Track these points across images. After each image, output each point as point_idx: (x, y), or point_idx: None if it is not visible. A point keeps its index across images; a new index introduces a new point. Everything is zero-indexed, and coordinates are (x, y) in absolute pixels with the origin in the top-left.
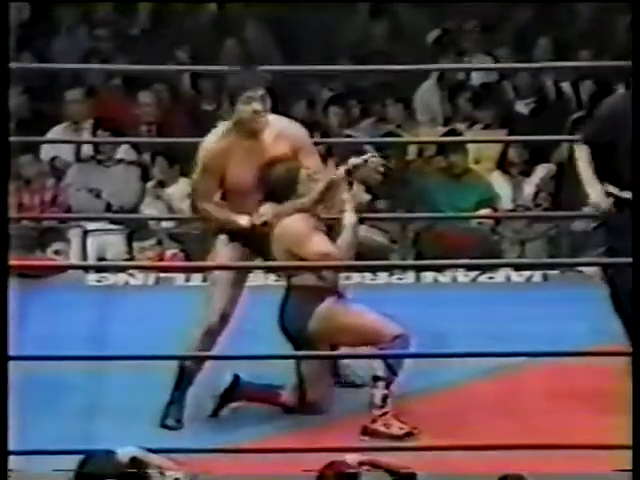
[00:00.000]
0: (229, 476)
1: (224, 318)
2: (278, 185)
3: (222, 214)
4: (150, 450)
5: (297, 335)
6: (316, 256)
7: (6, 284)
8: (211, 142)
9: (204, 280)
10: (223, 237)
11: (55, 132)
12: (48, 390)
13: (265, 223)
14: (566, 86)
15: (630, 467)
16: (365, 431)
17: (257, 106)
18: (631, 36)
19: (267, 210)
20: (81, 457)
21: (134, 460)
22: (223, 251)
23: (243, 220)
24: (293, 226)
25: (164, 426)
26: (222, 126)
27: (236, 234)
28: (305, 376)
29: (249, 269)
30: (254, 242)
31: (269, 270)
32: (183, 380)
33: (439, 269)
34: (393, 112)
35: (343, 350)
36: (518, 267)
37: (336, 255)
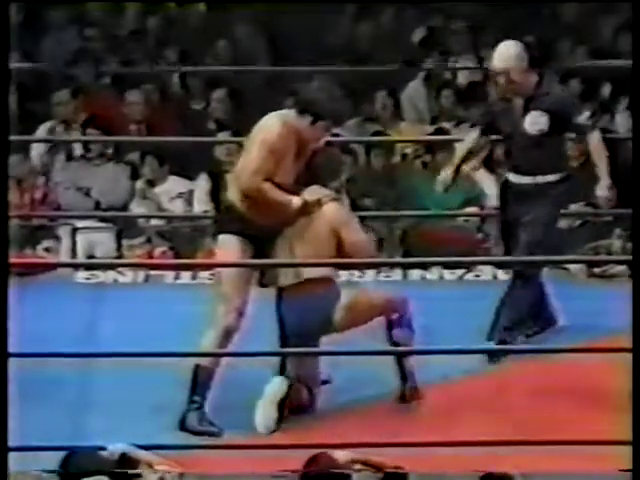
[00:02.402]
0: (219, 473)
1: (240, 316)
2: (324, 170)
3: (276, 194)
4: (140, 446)
5: (314, 330)
6: (358, 242)
7: (6, 282)
8: (277, 125)
9: (193, 278)
10: (226, 235)
11: (42, 130)
12: (38, 387)
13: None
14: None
15: (623, 465)
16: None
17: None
18: (617, 35)
19: (318, 191)
20: (64, 454)
21: (124, 457)
22: (228, 248)
23: (296, 200)
24: (342, 208)
25: (184, 429)
26: (283, 114)
27: (245, 229)
28: (309, 373)
29: (255, 267)
30: (261, 239)
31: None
32: (201, 380)
33: (426, 267)
34: (381, 107)
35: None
36: (504, 265)
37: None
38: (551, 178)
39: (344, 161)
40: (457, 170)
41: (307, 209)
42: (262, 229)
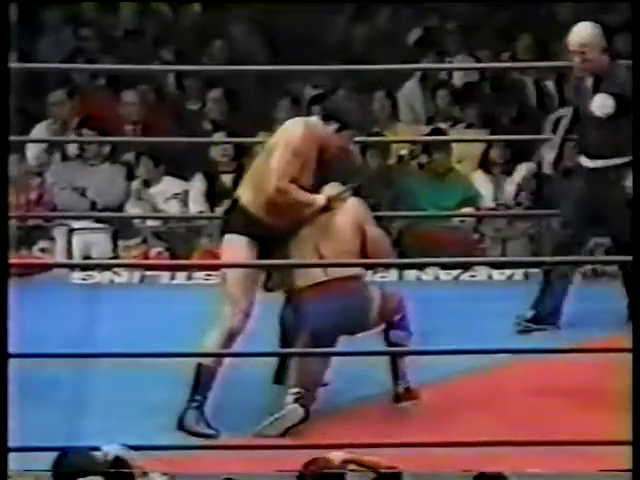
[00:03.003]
0: (216, 474)
1: (246, 318)
2: (340, 172)
3: (300, 195)
4: (137, 447)
5: (345, 329)
6: (380, 237)
7: (6, 283)
8: (300, 130)
9: (189, 278)
10: (233, 235)
11: (38, 130)
12: (36, 387)
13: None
14: (549, 85)
15: (623, 465)
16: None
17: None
18: (615, 35)
19: (336, 188)
20: (57, 454)
21: (117, 459)
22: (234, 248)
23: (320, 198)
24: (363, 204)
25: (182, 429)
26: (306, 120)
27: (254, 230)
28: (313, 379)
29: (260, 267)
30: (269, 241)
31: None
32: (202, 380)
33: (421, 267)
34: (380, 108)
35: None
36: (499, 265)
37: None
38: (617, 161)
39: (361, 164)
40: (560, 150)
41: (330, 206)
42: (272, 231)
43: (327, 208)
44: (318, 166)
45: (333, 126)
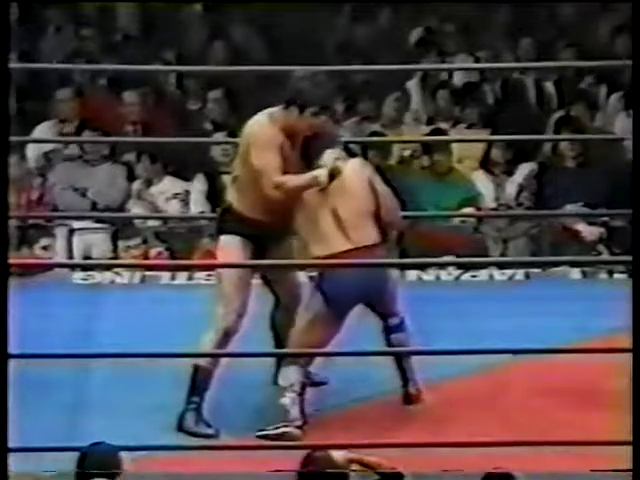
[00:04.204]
0: (215, 473)
1: (240, 318)
2: (320, 150)
3: (299, 180)
4: (135, 447)
5: (367, 298)
6: (389, 193)
7: (6, 283)
8: (266, 124)
9: (189, 278)
10: (226, 237)
11: (42, 130)
12: (36, 387)
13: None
14: (549, 85)
15: (623, 465)
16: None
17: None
18: (613, 36)
19: (332, 154)
20: (81, 452)
21: None
22: (230, 249)
23: (320, 172)
24: (365, 163)
25: (181, 430)
26: (268, 112)
27: (248, 230)
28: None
29: (255, 267)
30: (265, 239)
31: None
32: (199, 381)
33: (423, 267)
34: (393, 109)
35: None
36: (501, 265)
37: None
38: None
39: (337, 135)
40: None
41: (335, 173)
42: (270, 229)
43: (333, 176)
44: (296, 150)
45: (294, 110)
